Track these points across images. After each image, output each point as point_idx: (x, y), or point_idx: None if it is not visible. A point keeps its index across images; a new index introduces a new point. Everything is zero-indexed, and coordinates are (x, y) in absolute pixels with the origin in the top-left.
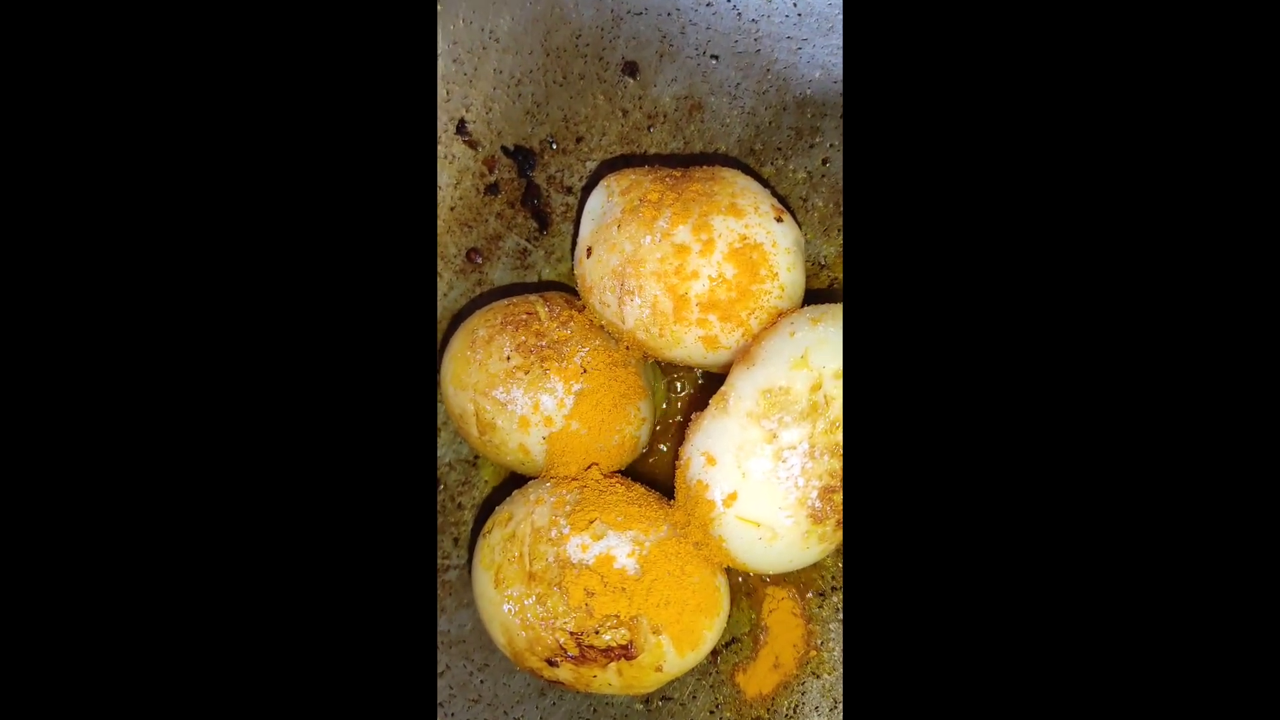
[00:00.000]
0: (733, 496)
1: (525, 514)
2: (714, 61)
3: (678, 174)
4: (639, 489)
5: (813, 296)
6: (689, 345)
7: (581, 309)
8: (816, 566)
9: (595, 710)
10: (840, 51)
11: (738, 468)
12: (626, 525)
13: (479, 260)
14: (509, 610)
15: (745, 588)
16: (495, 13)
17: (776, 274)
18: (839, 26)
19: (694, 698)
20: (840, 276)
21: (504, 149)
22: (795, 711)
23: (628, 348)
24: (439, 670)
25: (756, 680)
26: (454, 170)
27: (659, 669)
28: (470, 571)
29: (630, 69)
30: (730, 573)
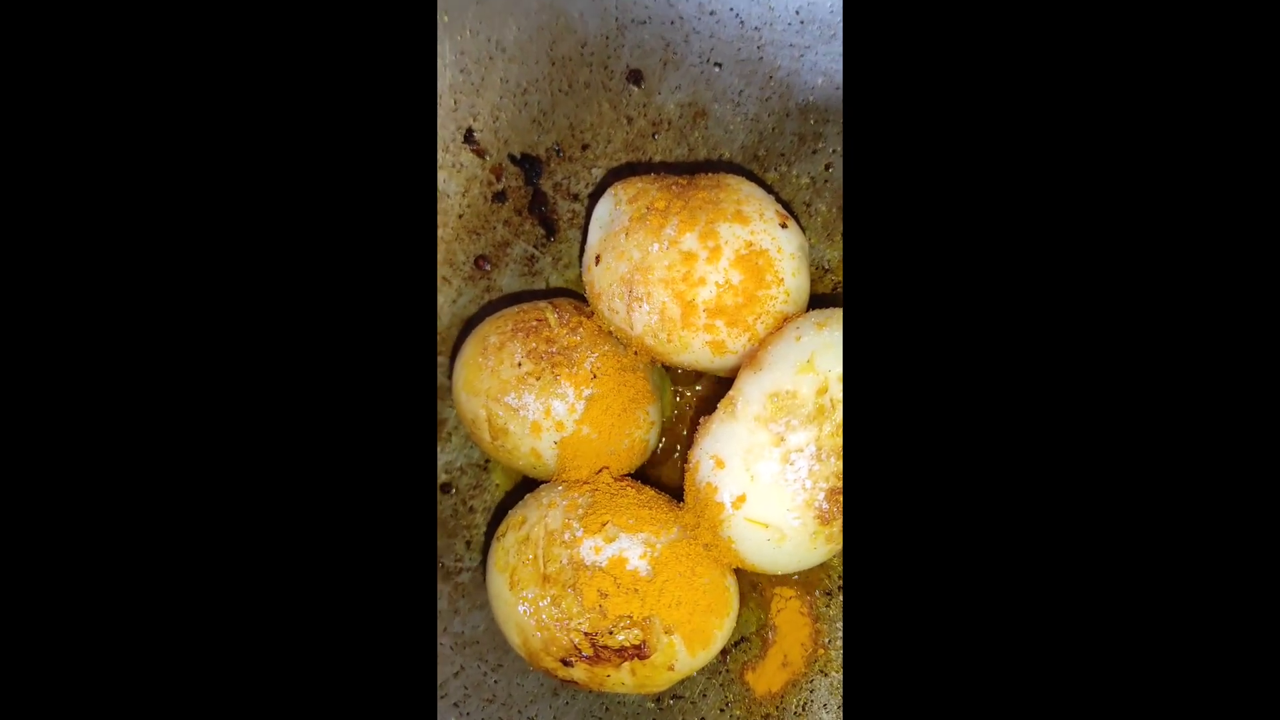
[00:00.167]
0: (741, 499)
1: (539, 517)
2: (717, 69)
3: (684, 182)
4: (649, 492)
5: (817, 300)
6: (697, 350)
7: (590, 315)
8: (824, 566)
9: (608, 709)
10: (841, 58)
11: (746, 470)
12: (638, 528)
13: (487, 267)
14: (524, 611)
15: (754, 588)
16: (501, 23)
17: (782, 279)
18: (841, 33)
19: (704, 696)
20: (843, 280)
21: (511, 157)
22: (804, 709)
23: (636, 353)
24: (454, 671)
25: (765, 678)
26: (462, 178)
27: (671, 668)
28: (484, 574)
29: (635, 77)
30: (739, 573)
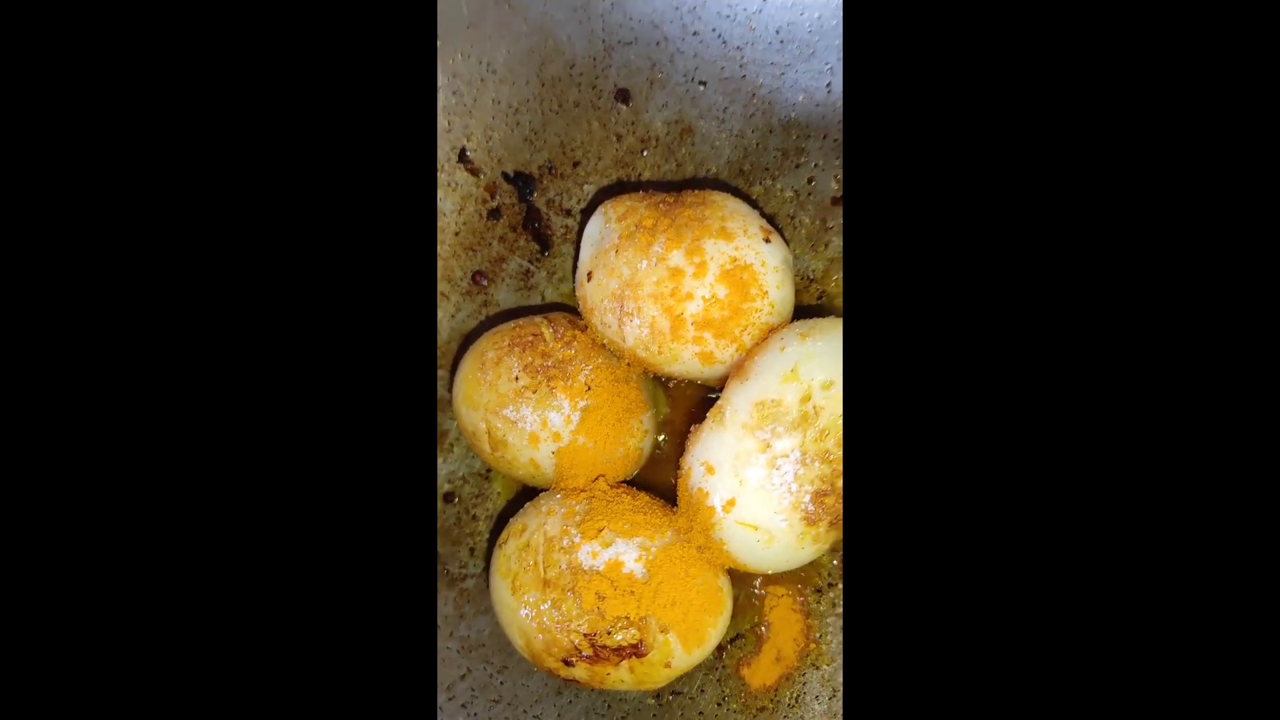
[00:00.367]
0: (731, 503)
1: (538, 525)
2: (702, 87)
3: (671, 199)
4: (644, 498)
5: (803, 311)
6: (686, 361)
7: (584, 329)
8: (814, 565)
9: (610, 706)
10: (822, 75)
11: (735, 476)
12: (633, 532)
13: (484, 282)
14: (526, 615)
15: (748, 586)
16: (492, 46)
17: (766, 292)
18: (820, 52)
19: (702, 691)
20: (828, 290)
21: (504, 175)
22: (797, 701)
23: (629, 365)
24: (461, 674)
25: (760, 673)
26: (457, 197)
27: (668, 665)
28: (487, 580)
29: (623, 96)
30: (733, 573)
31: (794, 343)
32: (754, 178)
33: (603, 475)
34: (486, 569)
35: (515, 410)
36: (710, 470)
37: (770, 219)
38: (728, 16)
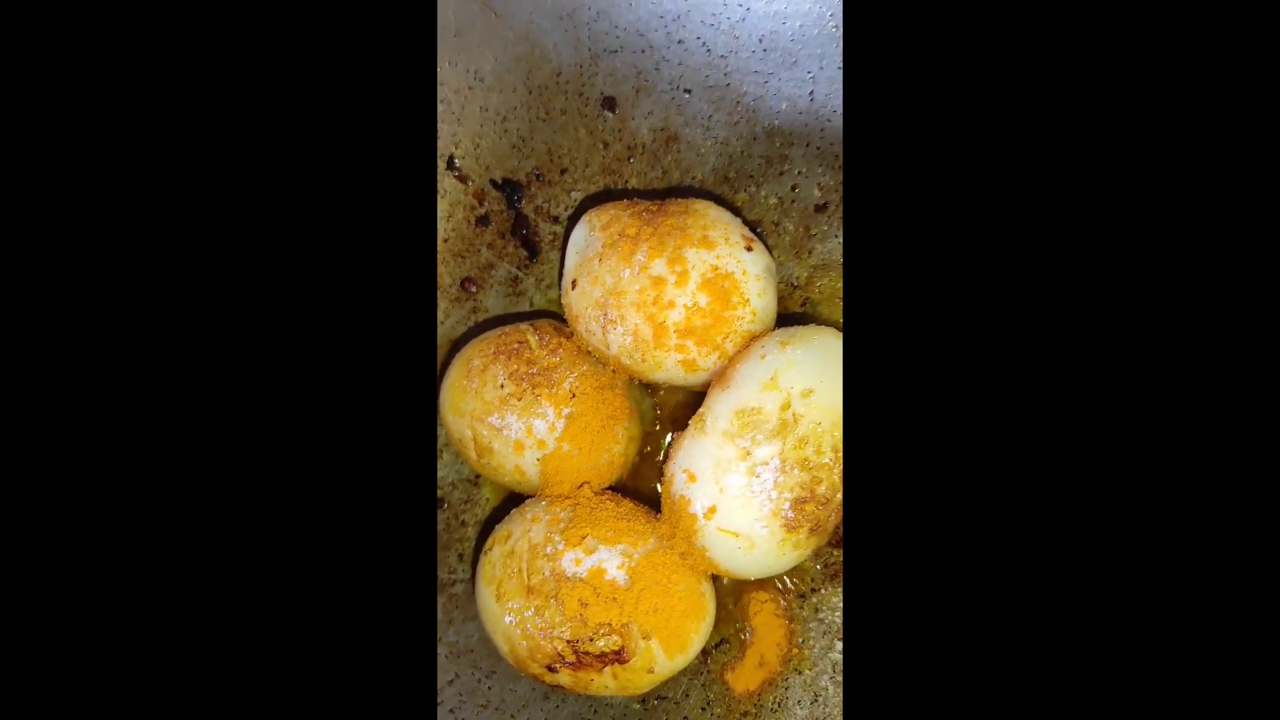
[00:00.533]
0: (713, 510)
1: (523, 532)
2: (687, 95)
3: (654, 208)
4: (628, 504)
5: (787, 318)
6: (670, 369)
7: (570, 336)
8: (797, 570)
9: (596, 711)
10: (804, 84)
11: (716, 483)
12: (616, 539)
13: (473, 289)
14: (510, 622)
15: (732, 592)
16: (479, 55)
17: (748, 300)
18: (802, 60)
19: (687, 696)
20: (812, 296)
21: (493, 182)
22: (780, 706)
23: (614, 371)
24: (449, 679)
25: (744, 678)
26: (446, 204)
27: (650, 671)
28: (475, 586)
29: (609, 104)
30: (717, 579)
31: (774, 350)
32: (738, 185)
33: (588, 482)
34: (474, 575)
35: (501, 418)
36: (692, 477)
37: (754, 226)
38: (712, 25)
